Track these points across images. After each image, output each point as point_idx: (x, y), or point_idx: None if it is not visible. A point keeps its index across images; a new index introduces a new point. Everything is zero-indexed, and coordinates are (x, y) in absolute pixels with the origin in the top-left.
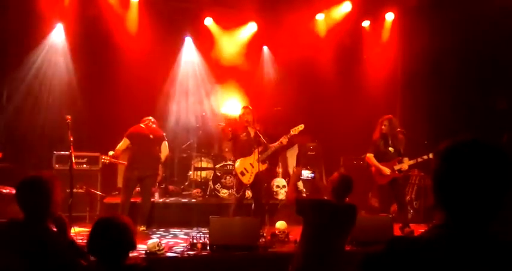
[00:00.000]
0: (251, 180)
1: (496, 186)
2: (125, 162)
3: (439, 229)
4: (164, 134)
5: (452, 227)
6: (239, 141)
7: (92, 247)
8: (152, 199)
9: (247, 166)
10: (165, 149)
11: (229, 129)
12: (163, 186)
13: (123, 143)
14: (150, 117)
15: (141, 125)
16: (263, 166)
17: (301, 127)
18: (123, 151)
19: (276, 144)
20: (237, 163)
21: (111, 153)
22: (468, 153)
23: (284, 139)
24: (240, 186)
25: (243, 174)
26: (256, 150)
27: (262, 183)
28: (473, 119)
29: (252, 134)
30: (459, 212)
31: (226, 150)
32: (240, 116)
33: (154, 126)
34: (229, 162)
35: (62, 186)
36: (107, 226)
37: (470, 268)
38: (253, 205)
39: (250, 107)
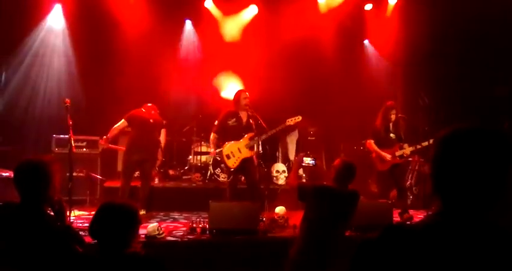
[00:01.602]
0: (235, 165)
1: (494, 174)
2: (123, 148)
3: (436, 217)
4: (165, 122)
5: (449, 215)
6: (227, 128)
7: (95, 232)
8: (152, 183)
9: (235, 151)
10: (162, 137)
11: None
12: (162, 170)
13: (121, 124)
14: (151, 104)
15: (142, 109)
16: (250, 153)
17: (298, 118)
18: (120, 133)
19: (273, 131)
20: (226, 146)
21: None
22: (467, 140)
23: (280, 128)
24: (229, 170)
25: (228, 157)
26: (246, 136)
27: (251, 169)
28: (475, 105)
29: (245, 119)
30: (456, 199)
31: None
32: (238, 100)
33: (154, 112)
34: None
35: (62, 170)
36: (113, 212)
37: (466, 256)
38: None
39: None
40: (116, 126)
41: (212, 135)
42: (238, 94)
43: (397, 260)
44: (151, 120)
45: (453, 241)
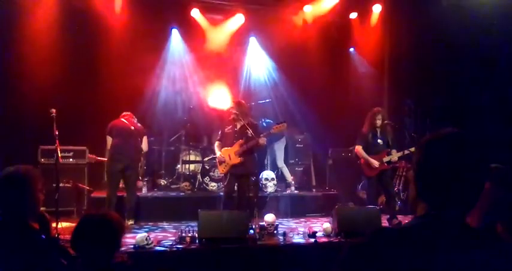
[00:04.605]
0: (225, 171)
1: (473, 177)
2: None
3: (420, 220)
4: (145, 129)
5: (433, 217)
6: (224, 135)
7: (77, 245)
8: (140, 193)
9: (226, 157)
10: (145, 145)
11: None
12: (146, 179)
13: (108, 141)
14: (129, 113)
15: (122, 119)
16: (237, 160)
17: (283, 126)
18: None
19: (261, 137)
20: (220, 152)
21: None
22: (447, 145)
23: (267, 134)
24: (225, 176)
25: (220, 163)
26: (237, 143)
27: (243, 181)
28: (460, 110)
29: (238, 126)
30: (439, 202)
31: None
32: (232, 110)
33: (134, 120)
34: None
35: (48, 181)
36: (95, 224)
37: (452, 257)
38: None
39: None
40: (108, 147)
41: (216, 143)
42: (232, 104)
43: (385, 262)
44: (131, 127)
45: (440, 242)
